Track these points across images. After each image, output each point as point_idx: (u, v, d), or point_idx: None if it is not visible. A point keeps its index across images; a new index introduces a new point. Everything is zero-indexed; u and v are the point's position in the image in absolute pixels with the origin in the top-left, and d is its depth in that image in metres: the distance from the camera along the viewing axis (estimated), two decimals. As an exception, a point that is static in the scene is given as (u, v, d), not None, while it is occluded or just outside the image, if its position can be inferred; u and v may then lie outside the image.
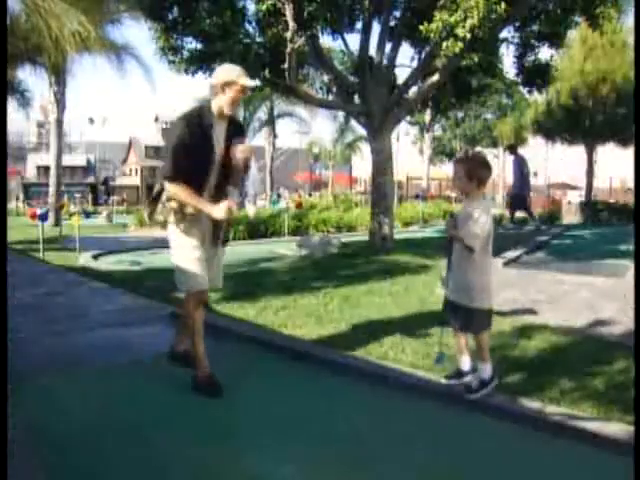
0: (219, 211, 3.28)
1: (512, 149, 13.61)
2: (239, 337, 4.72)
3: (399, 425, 3.06)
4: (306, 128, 42.28)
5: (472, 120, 42.98)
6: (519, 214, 13.84)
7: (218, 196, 3.44)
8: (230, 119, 3.50)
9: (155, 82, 58.34)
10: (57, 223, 18.42)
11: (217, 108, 3.40)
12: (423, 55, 10.87)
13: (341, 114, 36.17)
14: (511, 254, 9.04)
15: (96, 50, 13.90)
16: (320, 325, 5.02)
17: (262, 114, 39.55)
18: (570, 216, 20.96)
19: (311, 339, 4.59)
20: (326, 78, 11.51)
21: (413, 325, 4.90)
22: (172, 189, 3.32)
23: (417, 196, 30.80)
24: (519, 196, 13.24)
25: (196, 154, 3.29)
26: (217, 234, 3.59)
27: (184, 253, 3.46)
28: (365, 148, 42.76)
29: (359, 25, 10.82)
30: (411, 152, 47.14)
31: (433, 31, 8.15)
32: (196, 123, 3.34)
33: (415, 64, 11.25)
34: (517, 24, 10.34)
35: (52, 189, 21.28)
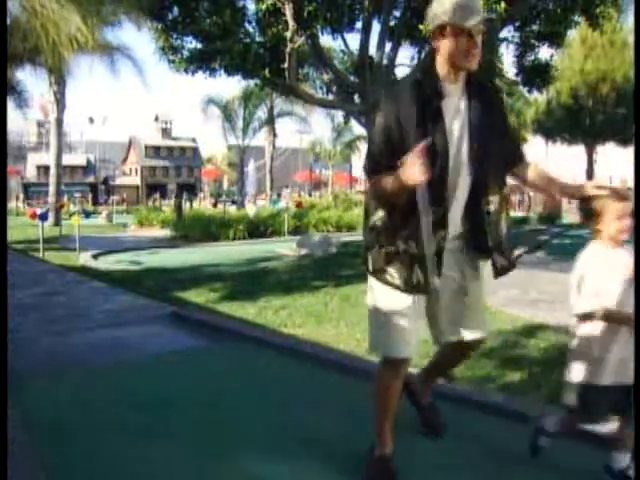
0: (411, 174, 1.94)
1: None
2: (239, 337, 4.72)
3: (399, 425, 3.06)
4: (306, 128, 42.34)
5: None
6: (520, 213, 13.90)
7: (467, 224, 2.27)
8: (471, 81, 2.19)
9: (151, 83, 58.23)
10: (57, 223, 18.42)
11: (443, 66, 2.14)
12: (423, 54, 10.87)
13: (339, 113, 36.28)
14: (511, 254, 9.03)
15: (94, 53, 13.91)
16: (320, 324, 5.02)
17: (262, 113, 39.61)
18: (570, 215, 20.96)
19: (311, 338, 4.58)
20: (326, 77, 11.50)
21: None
22: (370, 188, 2.24)
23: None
24: None
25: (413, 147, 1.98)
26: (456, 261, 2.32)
27: (380, 300, 2.33)
28: (363, 147, 42.75)
29: (359, 25, 10.83)
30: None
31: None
32: (411, 96, 2.10)
33: (415, 63, 11.26)
34: (517, 24, 10.35)
35: (52, 189, 21.28)
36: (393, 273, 2.22)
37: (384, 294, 2.28)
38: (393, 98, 2.17)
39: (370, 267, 2.29)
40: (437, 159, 2.07)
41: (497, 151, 2.23)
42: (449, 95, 2.14)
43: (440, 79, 2.14)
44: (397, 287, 2.22)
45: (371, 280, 2.35)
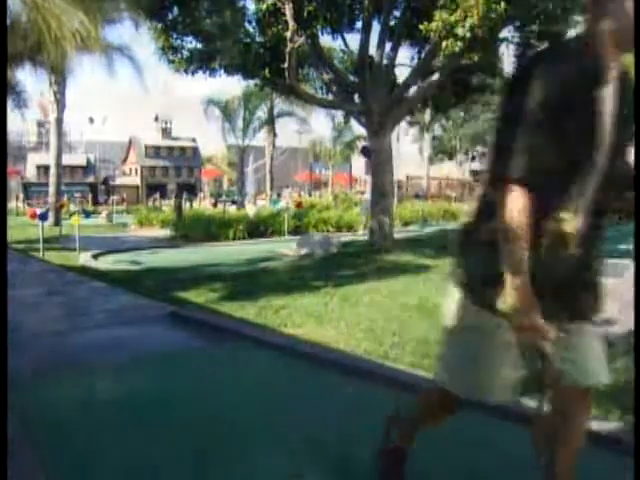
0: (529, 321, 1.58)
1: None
2: (239, 336, 4.72)
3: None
4: (306, 128, 42.35)
5: (478, 120, 42.67)
6: None
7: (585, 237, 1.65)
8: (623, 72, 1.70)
9: (151, 83, 58.22)
10: (57, 223, 18.42)
11: (608, 45, 1.66)
12: (423, 54, 10.88)
13: (339, 113, 36.29)
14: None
15: (96, 50, 13.95)
16: (320, 324, 5.02)
17: (262, 113, 39.58)
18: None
19: (311, 338, 4.58)
20: (326, 77, 11.51)
21: (413, 324, 4.90)
22: (513, 205, 1.55)
23: (417, 195, 30.87)
24: None
25: (575, 141, 1.58)
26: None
27: (476, 335, 1.84)
28: (364, 148, 42.67)
29: (359, 24, 10.84)
30: (411, 152, 47.08)
31: (433, 30, 8.17)
32: (576, 75, 1.60)
33: (415, 63, 11.26)
34: (517, 24, 10.34)
35: (52, 189, 21.27)
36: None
37: (483, 330, 1.81)
38: (552, 77, 1.59)
39: (483, 300, 1.76)
40: (583, 160, 1.61)
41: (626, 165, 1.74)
42: (608, 83, 1.63)
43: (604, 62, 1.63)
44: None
45: (470, 309, 1.83)
